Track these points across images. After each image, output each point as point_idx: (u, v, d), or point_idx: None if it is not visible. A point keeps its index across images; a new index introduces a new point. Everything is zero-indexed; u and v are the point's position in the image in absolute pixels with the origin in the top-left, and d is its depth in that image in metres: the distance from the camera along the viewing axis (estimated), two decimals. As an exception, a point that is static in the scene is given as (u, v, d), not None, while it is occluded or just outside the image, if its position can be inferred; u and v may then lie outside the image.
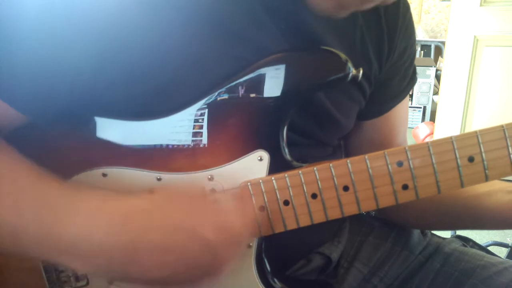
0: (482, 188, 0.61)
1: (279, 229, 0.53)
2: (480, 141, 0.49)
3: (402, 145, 0.75)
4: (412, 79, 0.72)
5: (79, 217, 0.46)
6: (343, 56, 0.53)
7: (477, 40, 2.63)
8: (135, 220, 0.46)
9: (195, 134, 0.53)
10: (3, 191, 0.46)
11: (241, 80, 0.52)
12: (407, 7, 0.66)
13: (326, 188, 0.52)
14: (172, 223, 0.46)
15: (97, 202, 0.47)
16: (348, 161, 0.51)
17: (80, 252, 0.45)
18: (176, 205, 0.47)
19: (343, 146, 0.79)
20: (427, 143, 0.50)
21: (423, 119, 3.99)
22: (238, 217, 0.49)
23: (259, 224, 0.53)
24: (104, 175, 0.53)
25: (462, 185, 0.50)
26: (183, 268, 0.47)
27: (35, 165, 0.49)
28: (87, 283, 0.56)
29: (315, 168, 0.51)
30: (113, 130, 0.54)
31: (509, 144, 0.49)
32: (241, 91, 0.53)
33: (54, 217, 0.45)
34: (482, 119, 2.70)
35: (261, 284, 0.55)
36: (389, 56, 0.65)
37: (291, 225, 0.53)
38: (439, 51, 4.50)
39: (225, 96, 0.53)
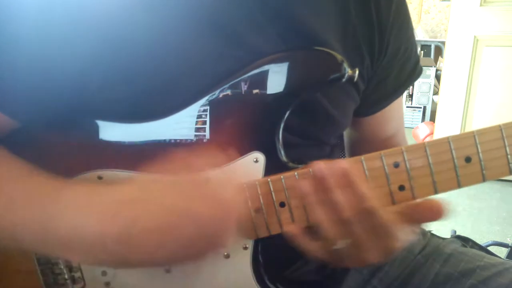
0: None
1: (275, 231, 0.53)
2: (477, 141, 0.49)
3: (396, 139, 0.75)
4: (412, 74, 0.71)
5: (70, 212, 0.46)
6: (339, 56, 0.53)
7: (477, 40, 2.63)
8: (126, 208, 0.45)
9: (190, 137, 0.53)
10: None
11: (237, 81, 0.52)
12: (400, 6, 0.65)
13: (323, 189, 0.51)
14: (164, 206, 0.45)
15: (86, 194, 0.47)
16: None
17: (75, 245, 0.46)
18: (166, 186, 0.46)
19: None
20: (423, 143, 0.50)
21: (423, 119, 3.99)
22: (228, 190, 0.47)
23: (255, 226, 0.53)
24: (100, 178, 0.53)
25: (459, 186, 0.50)
26: (182, 247, 0.46)
27: (25, 162, 0.49)
28: (84, 285, 0.56)
29: (311, 170, 0.51)
30: (108, 132, 0.53)
31: (506, 143, 0.49)
32: (237, 93, 0.52)
33: (46, 214, 0.46)
34: (482, 119, 2.70)
35: (258, 286, 0.55)
36: (380, 53, 0.64)
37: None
38: (439, 51, 4.50)
39: (221, 98, 0.52)
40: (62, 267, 0.55)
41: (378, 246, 0.49)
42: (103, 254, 0.46)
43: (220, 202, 0.46)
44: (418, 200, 0.50)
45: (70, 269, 0.55)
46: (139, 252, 0.45)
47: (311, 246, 0.50)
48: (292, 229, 0.50)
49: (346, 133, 0.79)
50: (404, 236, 0.49)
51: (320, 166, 0.48)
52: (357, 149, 0.71)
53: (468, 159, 0.49)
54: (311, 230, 0.50)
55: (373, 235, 0.48)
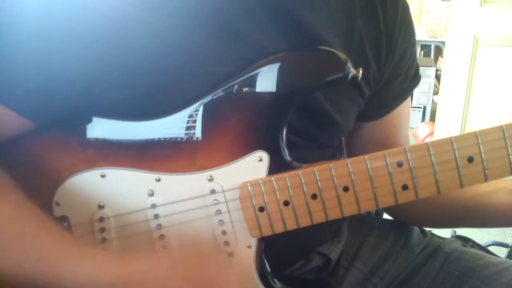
0: (484, 187, 0.62)
1: (279, 229, 0.53)
2: (480, 141, 0.49)
3: (404, 145, 0.75)
4: (414, 79, 0.71)
5: (78, 280, 0.47)
6: (342, 56, 0.53)
7: (477, 40, 2.62)
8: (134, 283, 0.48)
9: (194, 135, 0.53)
10: (6, 241, 0.48)
11: (241, 79, 0.52)
12: (406, 9, 0.65)
13: (326, 188, 0.52)
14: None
15: (96, 264, 0.48)
16: (348, 161, 0.51)
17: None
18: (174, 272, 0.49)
19: (345, 147, 0.79)
20: (426, 143, 0.50)
21: (423, 119, 3.99)
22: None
23: (259, 225, 0.53)
24: (103, 176, 0.53)
25: (461, 185, 0.50)
26: None
27: (38, 209, 0.50)
28: None
29: (315, 169, 0.52)
30: (112, 130, 0.54)
31: (508, 144, 0.49)
32: (241, 91, 0.53)
33: (54, 276, 0.47)
34: (482, 119, 2.70)
35: (261, 284, 0.55)
36: (387, 58, 0.64)
37: (291, 226, 0.53)
38: (439, 51, 4.49)
39: (225, 96, 0.53)
40: None
41: None
42: None
43: None
44: None
45: None
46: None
47: None
48: None
49: (355, 140, 0.78)
50: None
51: None
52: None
53: (470, 159, 0.50)
54: None
55: None
